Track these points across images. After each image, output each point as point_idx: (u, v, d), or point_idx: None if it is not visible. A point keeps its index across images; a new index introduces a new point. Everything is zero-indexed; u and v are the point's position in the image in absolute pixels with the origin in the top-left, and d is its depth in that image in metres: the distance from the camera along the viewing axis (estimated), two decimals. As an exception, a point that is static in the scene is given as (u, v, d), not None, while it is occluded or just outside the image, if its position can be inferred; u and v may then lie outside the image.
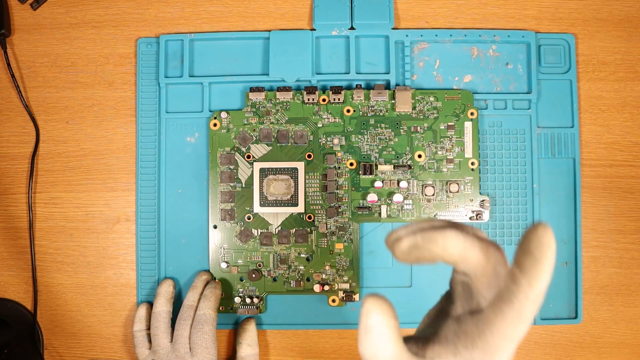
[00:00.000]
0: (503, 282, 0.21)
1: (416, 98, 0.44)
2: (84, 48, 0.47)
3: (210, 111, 0.46)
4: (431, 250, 0.22)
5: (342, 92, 0.44)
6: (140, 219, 0.45)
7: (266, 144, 0.45)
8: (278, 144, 0.44)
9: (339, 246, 0.44)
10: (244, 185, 0.44)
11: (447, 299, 0.25)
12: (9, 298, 0.46)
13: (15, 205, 0.46)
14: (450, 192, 0.44)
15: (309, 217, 0.44)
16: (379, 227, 0.45)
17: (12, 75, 0.46)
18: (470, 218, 0.44)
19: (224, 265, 0.44)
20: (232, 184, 0.44)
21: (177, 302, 0.44)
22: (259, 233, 0.44)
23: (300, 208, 0.44)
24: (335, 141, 0.44)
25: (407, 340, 0.23)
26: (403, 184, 0.44)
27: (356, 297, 0.43)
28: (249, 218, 0.44)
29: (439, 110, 0.44)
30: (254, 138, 0.45)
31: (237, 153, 0.44)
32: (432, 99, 0.44)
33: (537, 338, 0.45)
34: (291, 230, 0.44)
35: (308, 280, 0.44)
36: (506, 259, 0.22)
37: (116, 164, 0.46)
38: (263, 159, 0.44)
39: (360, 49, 0.46)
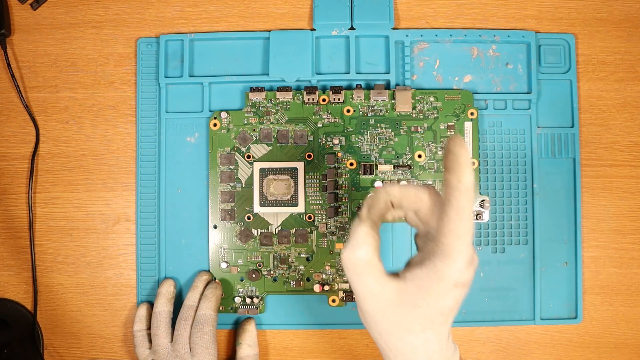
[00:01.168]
0: (441, 199, 0.27)
1: (416, 98, 0.44)
2: (84, 48, 0.47)
3: (210, 111, 0.46)
4: (379, 200, 0.28)
5: (342, 92, 0.44)
6: (140, 219, 0.45)
7: (266, 144, 0.45)
8: (278, 144, 0.44)
9: (339, 246, 0.44)
10: (244, 185, 0.44)
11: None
12: (9, 298, 0.46)
13: (15, 205, 0.46)
14: (450, 192, 0.44)
15: (309, 217, 0.44)
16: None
17: (12, 75, 0.46)
18: (470, 218, 0.44)
19: (224, 265, 0.44)
20: (232, 184, 0.44)
21: (178, 302, 0.44)
22: (259, 233, 0.44)
23: (300, 208, 0.44)
24: (335, 141, 0.44)
25: (388, 273, 0.28)
26: (403, 184, 0.43)
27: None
28: (249, 218, 0.44)
29: (439, 110, 0.44)
30: (254, 138, 0.45)
31: (237, 153, 0.44)
32: (432, 99, 0.44)
33: (537, 338, 0.45)
34: (291, 230, 0.44)
35: (308, 280, 0.44)
36: (438, 192, 0.28)
37: (116, 164, 0.46)
38: (263, 159, 0.44)
39: (360, 49, 0.46)
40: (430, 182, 0.44)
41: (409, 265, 0.28)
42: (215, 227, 0.44)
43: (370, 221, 0.28)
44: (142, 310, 0.44)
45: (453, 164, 0.25)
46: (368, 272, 0.26)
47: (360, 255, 0.26)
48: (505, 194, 0.45)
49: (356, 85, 0.44)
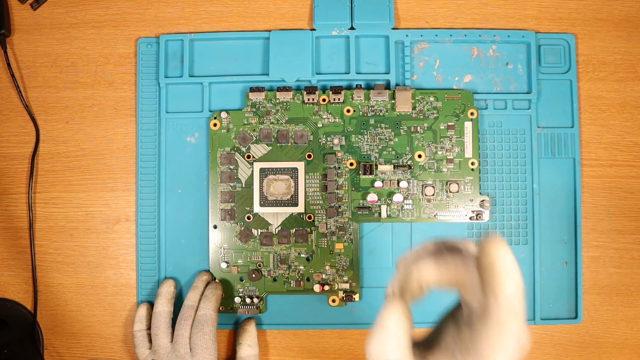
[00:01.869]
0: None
1: (416, 98, 0.44)
2: (84, 48, 0.47)
3: (210, 111, 0.46)
4: (411, 282, 0.23)
5: (342, 92, 0.44)
6: (140, 219, 0.45)
7: (266, 144, 0.45)
8: (278, 144, 0.44)
9: (339, 246, 0.44)
10: (244, 185, 0.44)
11: (458, 305, 0.26)
12: (9, 298, 0.46)
13: (15, 205, 0.46)
14: (450, 192, 0.44)
15: (309, 217, 0.44)
16: (379, 227, 0.45)
17: (12, 75, 0.46)
18: (470, 218, 0.44)
19: (224, 265, 0.44)
20: (232, 184, 0.44)
21: (178, 302, 0.44)
22: (259, 233, 0.44)
23: (300, 208, 0.44)
24: (335, 141, 0.44)
25: (413, 344, 0.24)
26: (403, 184, 0.44)
27: (356, 297, 0.43)
28: (249, 218, 0.44)
29: (439, 110, 0.44)
30: (254, 138, 0.45)
31: (237, 153, 0.44)
32: (432, 99, 0.44)
33: (537, 338, 0.45)
34: (291, 230, 0.44)
35: (308, 280, 0.44)
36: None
37: (116, 164, 0.46)
38: (263, 159, 0.44)
39: (360, 49, 0.46)
40: (430, 182, 0.44)
41: (436, 345, 0.24)
42: (215, 227, 0.44)
43: (402, 302, 0.23)
44: (142, 310, 0.44)
45: (490, 281, 0.20)
46: None
47: (391, 354, 0.22)
48: (505, 194, 0.45)
49: (356, 85, 0.44)
